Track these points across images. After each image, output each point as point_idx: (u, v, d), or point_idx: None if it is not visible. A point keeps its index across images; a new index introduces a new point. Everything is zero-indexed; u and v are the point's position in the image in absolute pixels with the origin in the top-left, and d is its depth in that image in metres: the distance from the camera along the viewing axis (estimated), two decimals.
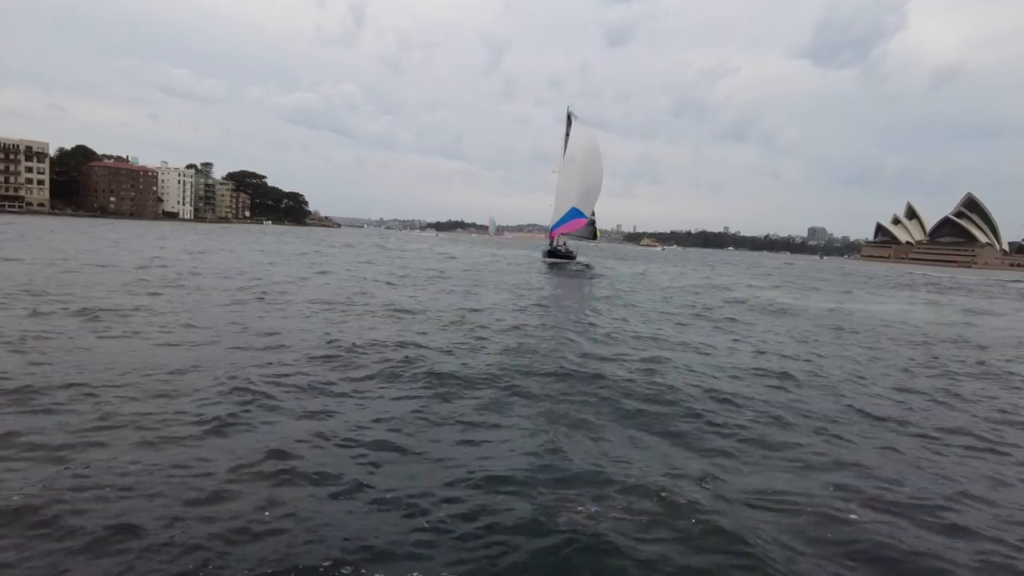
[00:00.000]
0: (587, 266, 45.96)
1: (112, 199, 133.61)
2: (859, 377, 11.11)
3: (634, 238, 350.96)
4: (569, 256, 46.44)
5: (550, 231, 45.87)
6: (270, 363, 9.30)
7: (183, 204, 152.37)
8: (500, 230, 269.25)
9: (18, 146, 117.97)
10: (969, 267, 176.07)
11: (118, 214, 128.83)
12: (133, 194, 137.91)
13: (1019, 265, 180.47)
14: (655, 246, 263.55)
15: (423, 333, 12.71)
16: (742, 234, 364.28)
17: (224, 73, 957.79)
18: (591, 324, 15.62)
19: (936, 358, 13.75)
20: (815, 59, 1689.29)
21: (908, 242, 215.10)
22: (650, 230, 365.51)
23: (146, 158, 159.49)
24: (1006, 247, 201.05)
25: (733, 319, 18.75)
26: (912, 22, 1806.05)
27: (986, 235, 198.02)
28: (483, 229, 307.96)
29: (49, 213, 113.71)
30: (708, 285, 35.00)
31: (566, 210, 42.44)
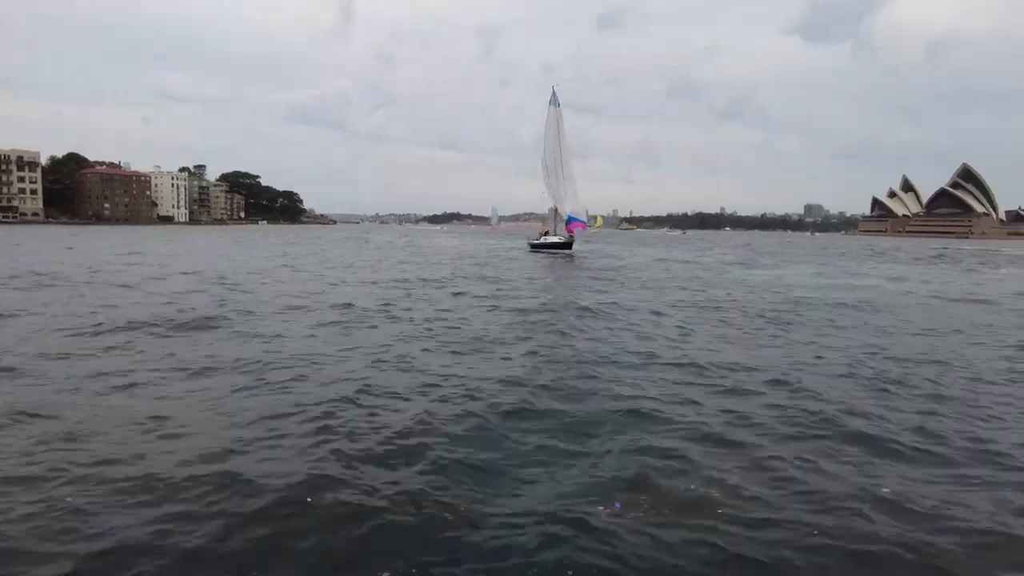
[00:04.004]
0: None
1: (106, 205, 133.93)
2: None
3: (632, 223, 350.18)
4: (567, 245, 48.65)
5: (568, 226, 49.47)
6: None
7: (177, 207, 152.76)
8: (499, 220, 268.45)
9: (9, 156, 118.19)
10: (967, 237, 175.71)
11: (113, 220, 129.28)
12: (127, 199, 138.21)
13: (1018, 234, 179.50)
14: (632, 229, 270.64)
15: None
16: (739, 214, 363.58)
17: (216, 74, 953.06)
18: None
19: None
20: (806, 35, 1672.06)
21: (904, 215, 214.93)
22: (647, 214, 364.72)
23: (140, 163, 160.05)
24: (1003, 216, 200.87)
25: None
26: None
27: (983, 205, 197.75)
28: (480, 220, 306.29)
29: (43, 222, 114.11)
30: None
31: (576, 216, 48.65)
